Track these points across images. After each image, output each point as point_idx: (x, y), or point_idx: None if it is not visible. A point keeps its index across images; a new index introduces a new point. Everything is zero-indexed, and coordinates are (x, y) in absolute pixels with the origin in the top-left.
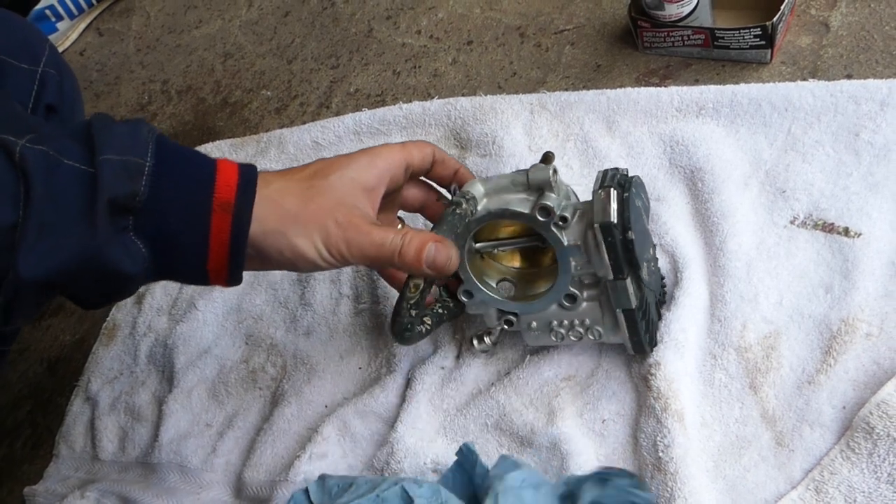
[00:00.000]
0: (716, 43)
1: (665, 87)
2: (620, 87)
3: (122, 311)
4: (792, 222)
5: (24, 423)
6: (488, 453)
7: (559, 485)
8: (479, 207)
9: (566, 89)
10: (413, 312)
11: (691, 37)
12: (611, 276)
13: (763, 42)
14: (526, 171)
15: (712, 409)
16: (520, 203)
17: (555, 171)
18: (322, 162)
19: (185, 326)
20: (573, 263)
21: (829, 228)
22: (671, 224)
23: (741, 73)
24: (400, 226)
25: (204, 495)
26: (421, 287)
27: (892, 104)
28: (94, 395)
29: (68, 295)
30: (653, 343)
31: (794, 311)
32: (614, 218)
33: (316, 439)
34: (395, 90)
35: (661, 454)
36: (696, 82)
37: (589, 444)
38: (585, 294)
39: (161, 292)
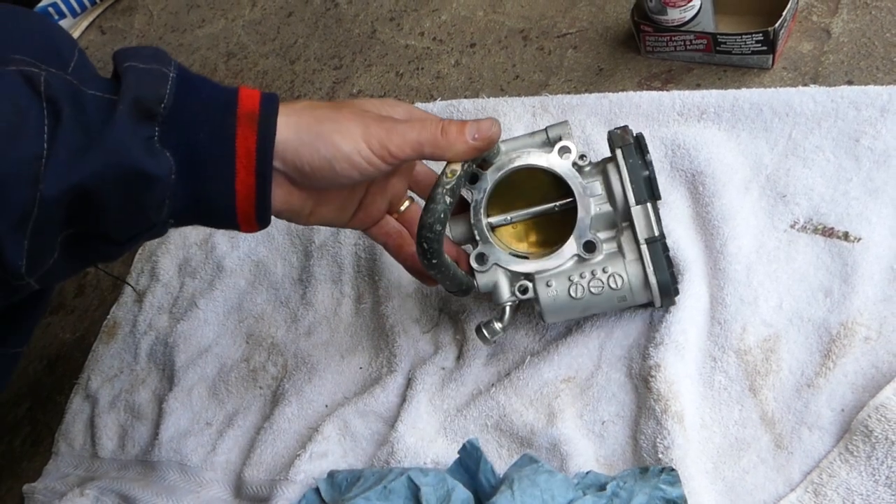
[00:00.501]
0: (718, 48)
1: (667, 91)
2: (622, 90)
3: (122, 310)
4: (792, 226)
5: (23, 421)
6: (488, 454)
7: (573, 478)
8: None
9: (568, 92)
10: (448, 200)
11: (693, 41)
12: (633, 202)
13: (765, 48)
14: (545, 128)
15: (712, 411)
16: (539, 155)
17: (569, 125)
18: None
19: (186, 325)
20: (592, 205)
21: (828, 233)
22: (672, 227)
23: (743, 79)
24: (407, 203)
25: (204, 494)
26: (458, 173)
27: (893, 110)
28: (93, 392)
29: (97, 230)
30: (676, 289)
31: (793, 314)
32: (632, 141)
33: (316, 438)
34: (397, 91)
35: (660, 455)
36: (698, 87)
37: (588, 446)
38: (604, 244)
39: (162, 290)
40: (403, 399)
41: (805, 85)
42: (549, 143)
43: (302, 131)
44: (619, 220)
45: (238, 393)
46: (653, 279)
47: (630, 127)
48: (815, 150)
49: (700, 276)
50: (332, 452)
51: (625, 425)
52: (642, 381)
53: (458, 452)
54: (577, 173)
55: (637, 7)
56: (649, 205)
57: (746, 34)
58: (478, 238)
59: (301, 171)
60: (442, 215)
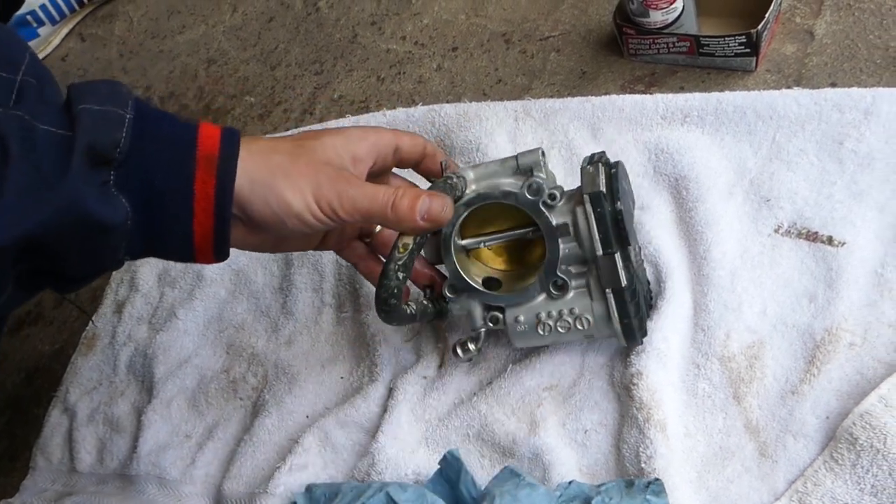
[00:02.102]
0: (701, 50)
1: (650, 94)
2: (605, 94)
3: (101, 321)
4: (776, 231)
5: (1, 435)
6: (470, 464)
7: (555, 489)
8: (468, 191)
9: (551, 96)
10: (401, 276)
11: (676, 44)
12: (600, 251)
13: (748, 50)
14: (515, 155)
15: (696, 419)
16: (509, 185)
17: (543, 153)
18: (309, 132)
19: (166, 336)
20: (561, 245)
21: (813, 237)
22: (655, 232)
23: (726, 81)
24: (379, 226)
25: None
26: (410, 247)
27: (876, 113)
28: (72, 405)
29: (51, 268)
30: (643, 331)
31: (777, 320)
32: (603, 188)
33: (297, 450)
34: (379, 96)
35: (643, 465)
36: (682, 90)
37: (571, 455)
38: (573, 283)
39: (141, 301)
40: (385, 409)
41: (788, 87)
42: (520, 172)
43: (255, 181)
44: (589, 259)
45: (218, 404)
46: (617, 326)
47: (607, 156)
48: (799, 153)
49: (683, 282)
50: (313, 464)
51: (607, 434)
52: (624, 390)
53: (439, 463)
54: (547, 212)
55: (619, 9)
56: (617, 254)
57: (729, 36)
58: (450, 268)
59: (252, 220)
60: (396, 290)
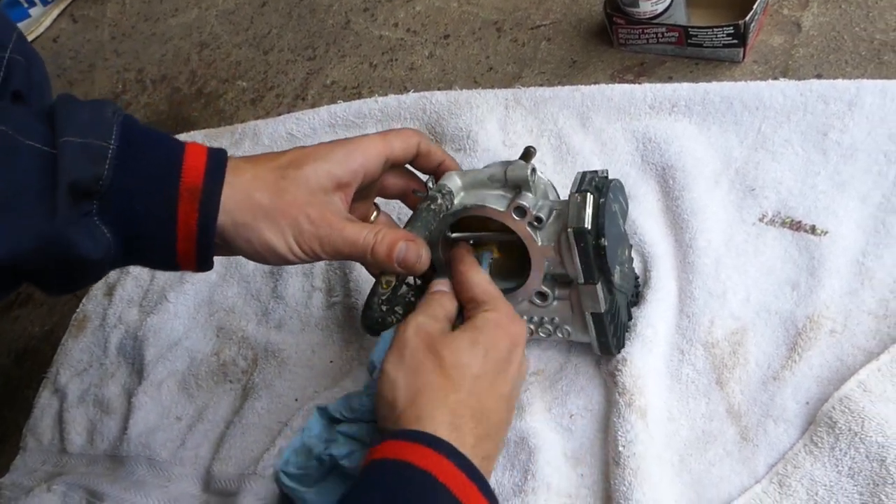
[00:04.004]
0: (689, 41)
1: (639, 84)
2: (595, 83)
3: (92, 303)
4: (760, 220)
5: None
6: None
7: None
8: (455, 201)
9: (541, 85)
10: (384, 308)
11: (665, 34)
12: (581, 280)
13: (736, 41)
14: (505, 166)
15: (679, 403)
16: (496, 200)
17: (533, 170)
18: (298, 151)
19: (156, 318)
20: (546, 263)
21: (796, 226)
22: (641, 221)
23: (714, 72)
24: (375, 213)
25: (172, 488)
26: (393, 284)
27: (860, 104)
28: (62, 387)
29: (30, 280)
30: (620, 345)
31: (760, 307)
32: (588, 224)
33: (286, 433)
34: (371, 83)
35: (621, 449)
36: (670, 80)
37: (556, 439)
38: (557, 293)
39: (132, 284)
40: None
41: (775, 78)
42: (508, 186)
43: (238, 223)
44: (573, 279)
45: (208, 387)
46: (594, 343)
47: (601, 173)
48: (784, 143)
49: (669, 270)
50: None
51: (593, 419)
52: (609, 376)
53: None
54: (532, 233)
55: None
56: (599, 284)
57: (718, 27)
58: (438, 265)
59: (237, 249)
60: (380, 319)
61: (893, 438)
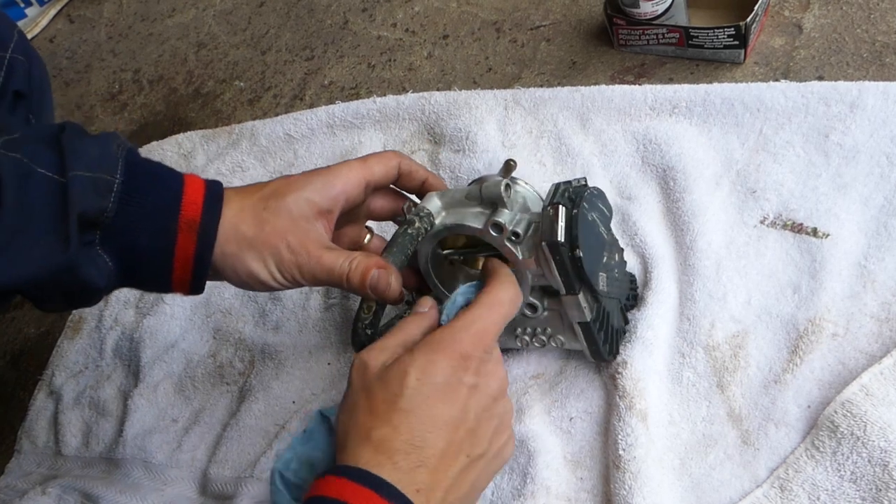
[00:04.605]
0: (690, 42)
1: (639, 85)
2: (595, 84)
3: None
4: (762, 222)
5: None
6: None
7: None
8: (437, 221)
9: (541, 85)
10: (369, 332)
11: (666, 35)
12: (563, 292)
13: (736, 42)
14: (480, 184)
15: (680, 407)
16: (474, 218)
17: (507, 186)
18: (282, 181)
19: (153, 320)
20: (530, 276)
21: (797, 229)
22: (642, 223)
23: (715, 73)
24: (368, 236)
25: (168, 491)
26: (374, 308)
27: (862, 106)
28: (58, 389)
29: (29, 298)
30: (613, 351)
31: (762, 310)
32: (561, 237)
33: (283, 436)
34: (369, 83)
35: (621, 452)
36: (671, 81)
37: (556, 442)
38: (546, 303)
39: None
40: None
41: (776, 80)
42: (485, 203)
43: (226, 254)
44: (557, 290)
45: (204, 389)
46: (586, 352)
47: (576, 182)
48: (786, 145)
49: (669, 272)
50: None
51: (592, 422)
52: (609, 378)
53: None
54: (512, 248)
55: (610, 0)
56: (581, 294)
57: (718, 28)
58: (430, 283)
59: (224, 277)
60: (367, 341)
61: None
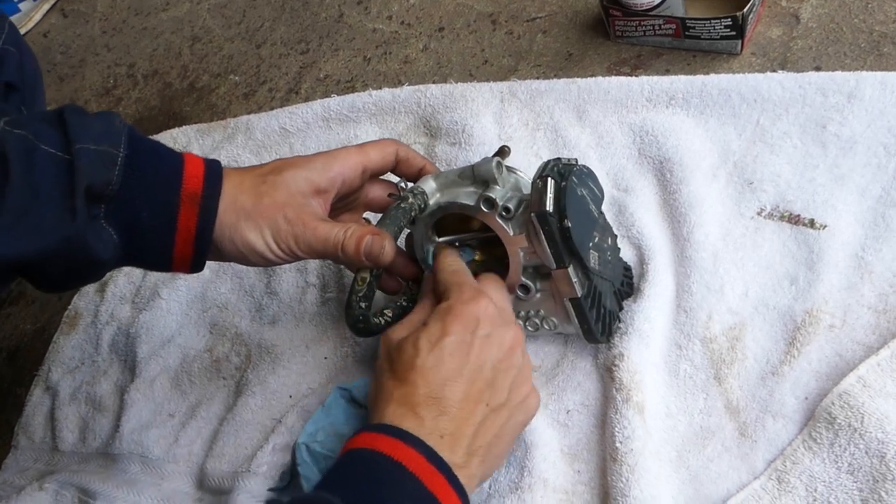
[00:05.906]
0: (687, 33)
1: (636, 76)
2: (591, 75)
3: (84, 300)
4: (759, 213)
5: None
6: None
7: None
8: (431, 202)
9: (537, 77)
10: (363, 305)
11: (662, 26)
12: (553, 266)
13: (734, 33)
14: (472, 165)
15: (677, 399)
16: (467, 196)
17: (499, 164)
18: (281, 160)
19: (149, 315)
20: (521, 254)
21: (795, 220)
22: (639, 215)
23: (712, 64)
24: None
25: (165, 486)
26: (367, 280)
27: (859, 97)
28: (54, 384)
29: (33, 277)
30: (607, 333)
31: (759, 302)
32: (549, 206)
33: (280, 430)
34: (365, 76)
35: (618, 445)
36: (667, 72)
37: (553, 435)
38: (539, 285)
39: (124, 280)
40: None
41: (773, 71)
42: (477, 182)
43: (223, 224)
44: (549, 267)
45: (201, 384)
46: (579, 332)
47: (567, 160)
48: (783, 136)
49: (666, 264)
50: None
51: (589, 414)
52: (606, 371)
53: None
54: (503, 224)
55: None
56: (570, 267)
57: (715, 19)
58: (425, 267)
59: (222, 250)
60: (361, 316)
61: (893, 434)
